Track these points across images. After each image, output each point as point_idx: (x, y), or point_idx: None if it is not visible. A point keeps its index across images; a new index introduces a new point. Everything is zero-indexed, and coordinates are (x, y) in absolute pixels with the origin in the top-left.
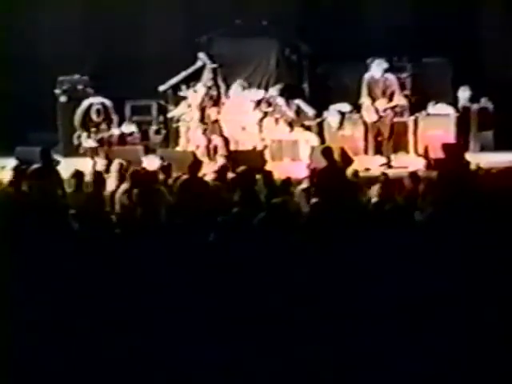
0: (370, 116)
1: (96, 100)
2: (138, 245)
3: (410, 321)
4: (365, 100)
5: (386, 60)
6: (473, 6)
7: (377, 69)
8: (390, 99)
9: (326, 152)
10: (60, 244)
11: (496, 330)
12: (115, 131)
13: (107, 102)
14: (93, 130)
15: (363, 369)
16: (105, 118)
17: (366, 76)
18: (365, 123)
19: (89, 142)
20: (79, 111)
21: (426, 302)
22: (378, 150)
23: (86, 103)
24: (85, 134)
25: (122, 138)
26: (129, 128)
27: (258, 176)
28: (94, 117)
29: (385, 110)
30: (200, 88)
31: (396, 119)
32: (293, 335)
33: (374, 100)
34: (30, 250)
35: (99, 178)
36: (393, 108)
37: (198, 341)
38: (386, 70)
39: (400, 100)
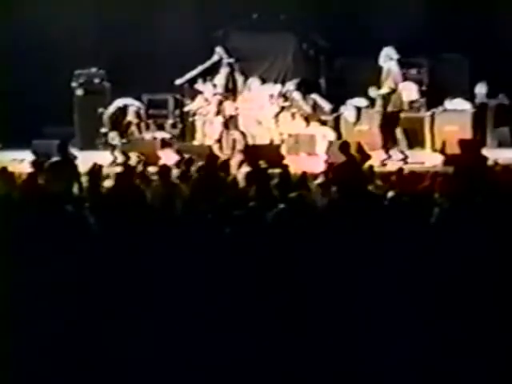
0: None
1: (131, 102)
2: (153, 238)
3: (426, 317)
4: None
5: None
6: (491, 2)
7: (383, 56)
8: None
9: (344, 147)
10: (76, 238)
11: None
12: (146, 135)
13: (141, 106)
14: (125, 131)
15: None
16: (139, 122)
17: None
18: (382, 117)
19: (116, 140)
20: (112, 109)
21: (439, 297)
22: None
23: (119, 103)
24: (115, 133)
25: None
26: (161, 134)
27: (275, 170)
28: (130, 118)
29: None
30: (217, 82)
31: (412, 114)
32: (307, 328)
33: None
34: (46, 243)
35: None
36: (410, 102)
37: (213, 334)
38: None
39: (412, 94)
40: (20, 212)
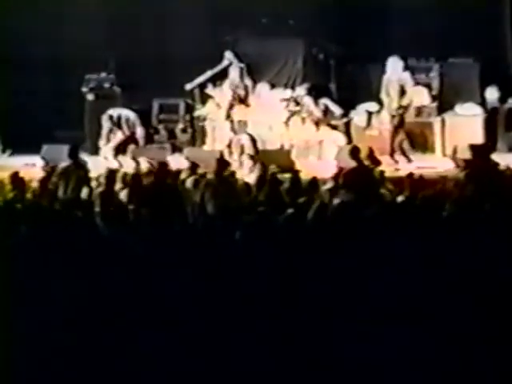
0: (385, 116)
1: (125, 112)
2: (162, 243)
3: (433, 319)
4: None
5: (401, 58)
6: (500, 6)
7: (392, 68)
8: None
9: (354, 152)
10: (85, 242)
11: None
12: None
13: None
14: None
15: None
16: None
17: (384, 77)
18: (392, 123)
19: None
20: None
21: (449, 300)
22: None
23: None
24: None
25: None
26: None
27: (286, 175)
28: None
29: (399, 109)
30: (227, 87)
31: (421, 119)
32: (316, 331)
33: (390, 99)
34: (55, 247)
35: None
36: (406, 107)
37: (221, 337)
38: (406, 68)
39: (423, 99)
40: (30, 216)
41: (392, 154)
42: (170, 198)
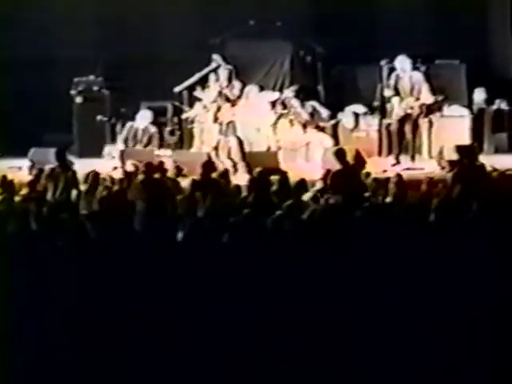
0: (396, 114)
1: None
2: (150, 245)
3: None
4: (392, 98)
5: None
6: (487, 7)
7: (402, 66)
8: (418, 97)
9: (339, 154)
10: (73, 244)
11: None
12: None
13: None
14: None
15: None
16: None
17: (393, 75)
18: (380, 124)
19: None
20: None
21: (438, 303)
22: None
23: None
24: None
25: None
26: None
27: (274, 177)
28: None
29: (412, 108)
30: (215, 89)
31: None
32: (300, 334)
33: (400, 97)
34: (44, 250)
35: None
36: (420, 106)
37: (208, 340)
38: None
39: (428, 98)
40: (19, 219)
41: (398, 153)
42: (160, 192)
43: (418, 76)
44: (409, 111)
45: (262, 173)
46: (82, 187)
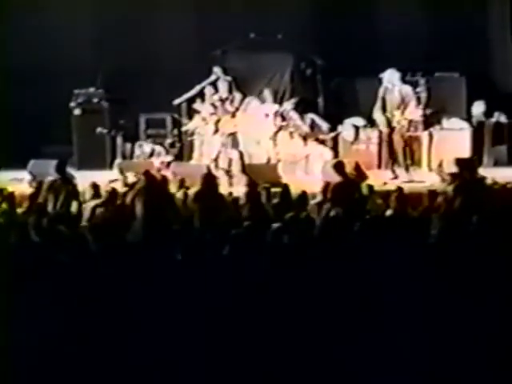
0: (383, 128)
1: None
2: (150, 257)
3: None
4: (378, 113)
5: (398, 69)
6: (487, 21)
7: (391, 79)
8: (404, 111)
9: (338, 166)
10: (74, 257)
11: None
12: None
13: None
14: None
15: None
16: None
17: (381, 88)
18: (380, 137)
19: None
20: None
21: (438, 317)
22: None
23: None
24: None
25: None
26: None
27: (274, 189)
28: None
29: (398, 122)
30: (215, 101)
31: (410, 133)
32: (303, 344)
33: (388, 112)
34: (44, 262)
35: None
36: (409, 121)
37: (209, 351)
38: (404, 80)
39: (415, 113)
40: (20, 231)
41: (392, 167)
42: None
43: (408, 90)
44: (396, 126)
45: (256, 185)
46: (95, 201)
